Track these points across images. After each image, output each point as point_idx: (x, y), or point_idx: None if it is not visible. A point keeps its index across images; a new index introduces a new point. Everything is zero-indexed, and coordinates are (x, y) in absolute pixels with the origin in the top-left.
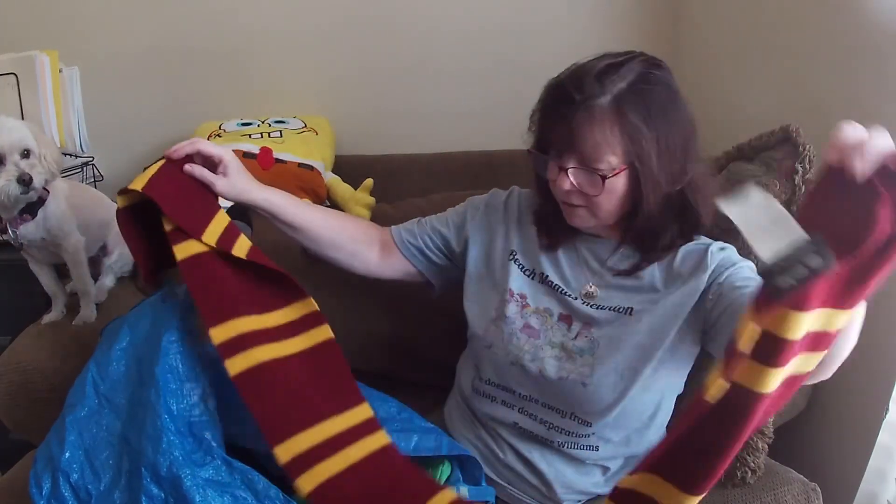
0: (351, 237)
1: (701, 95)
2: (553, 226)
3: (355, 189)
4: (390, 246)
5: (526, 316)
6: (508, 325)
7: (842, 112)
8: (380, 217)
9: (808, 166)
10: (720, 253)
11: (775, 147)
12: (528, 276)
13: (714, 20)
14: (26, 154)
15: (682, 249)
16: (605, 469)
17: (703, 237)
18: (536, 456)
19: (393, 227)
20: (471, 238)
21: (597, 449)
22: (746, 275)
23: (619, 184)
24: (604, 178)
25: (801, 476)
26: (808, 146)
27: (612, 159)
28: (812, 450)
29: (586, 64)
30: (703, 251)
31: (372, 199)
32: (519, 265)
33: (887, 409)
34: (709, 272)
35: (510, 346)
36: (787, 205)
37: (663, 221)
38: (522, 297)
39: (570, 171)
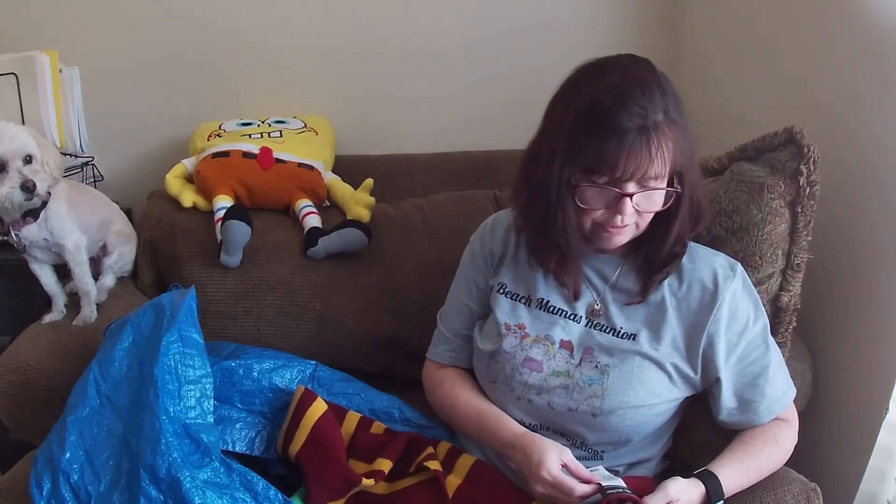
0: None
1: (701, 95)
2: (558, 252)
3: (355, 189)
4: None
5: (526, 348)
6: (509, 359)
7: (843, 112)
8: (380, 217)
9: (812, 167)
10: (726, 310)
11: (779, 148)
12: (524, 304)
13: (714, 20)
14: (29, 160)
15: (690, 275)
16: (616, 472)
17: (701, 248)
18: None
19: (445, 357)
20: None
21: (603, 458)
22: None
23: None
24: (677, 193)
25: (801, 476)
26: (812, 147)
27: (667, 171)
28: (812, 450)
29: (616, 81)
30: (712, 291)
31: (372, 199)
32: (510, 295)
33: (887, 409)
34: (712, 315)
35: (514, 383)
36: (793, 206)
37: (682, 230)
38: (521, 327)
39: (634, 196)
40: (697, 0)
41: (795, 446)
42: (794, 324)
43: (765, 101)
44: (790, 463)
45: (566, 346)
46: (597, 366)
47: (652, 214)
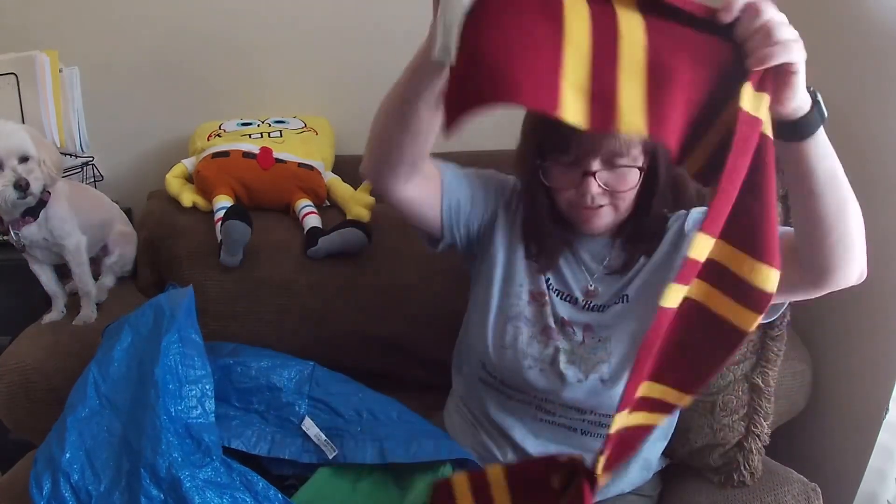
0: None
1: None
2: (547, 241)
3: (355, 189)
4: (435, 182)
5: (546, 316)
6: (529, 327)
7: (841, 111)
8: (380, 217)
9: None
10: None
11: None
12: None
13: None
14: (25, 159)
15: (666, 236)
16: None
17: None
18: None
19: (445, 169)
20: (498, 236)
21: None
22: None
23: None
24: (641, 170)
25: (801, 476)
26: None
27: (636, 150)
28: (812, 450)
29: None
30: (680, 226)
31: (372, 199)
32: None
33: (887, 409)
34: (685, 243)
35: (529, 350)
36: (784, 200)
37: (660, 207)
38: (542, 294)
39: (597, 174)
40: None
41: (795, 446)
42: (788, 317)
43: None
44: (790, 463)
45: (568, 325)
46: (599, 339)
47: (627, 194)
